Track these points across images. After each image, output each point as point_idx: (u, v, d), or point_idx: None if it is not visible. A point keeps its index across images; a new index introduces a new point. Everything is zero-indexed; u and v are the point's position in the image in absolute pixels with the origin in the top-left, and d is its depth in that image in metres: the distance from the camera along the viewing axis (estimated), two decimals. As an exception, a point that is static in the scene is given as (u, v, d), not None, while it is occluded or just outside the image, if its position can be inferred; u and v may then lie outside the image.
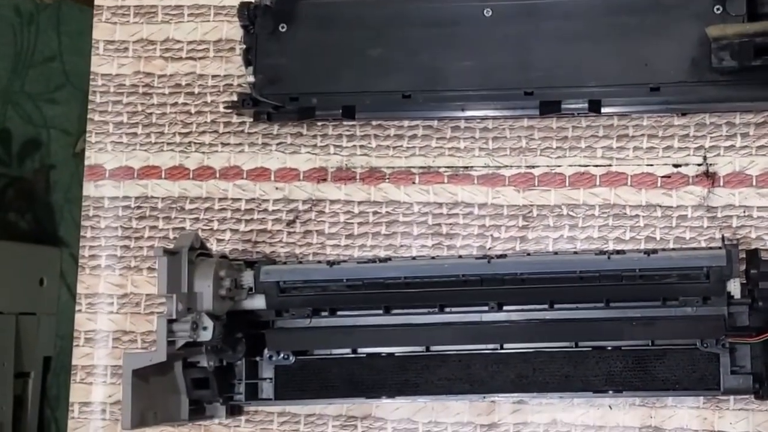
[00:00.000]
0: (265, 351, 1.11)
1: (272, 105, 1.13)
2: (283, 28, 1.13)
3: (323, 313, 1.11)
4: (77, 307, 1.21)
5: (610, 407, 1.11)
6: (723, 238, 1.08)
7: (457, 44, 1.11)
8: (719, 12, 1.06)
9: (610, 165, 1.14)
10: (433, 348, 1.10)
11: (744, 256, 1.06)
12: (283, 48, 1.13)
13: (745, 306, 1.05)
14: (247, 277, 1.09)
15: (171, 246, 1.05)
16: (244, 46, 1.14)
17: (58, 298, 2.25)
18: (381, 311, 1.10)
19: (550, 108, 1.10)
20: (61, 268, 2.27)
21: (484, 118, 1.16)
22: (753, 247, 1.10)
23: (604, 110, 1.11)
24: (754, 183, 1.12)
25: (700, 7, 1.07)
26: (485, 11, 1.11)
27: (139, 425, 1.01)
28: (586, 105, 1.10)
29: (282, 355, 1.11)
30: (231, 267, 1.08)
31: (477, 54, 1.10)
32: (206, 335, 1.03)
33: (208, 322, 1.03)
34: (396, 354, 1.11)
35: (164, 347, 1.01)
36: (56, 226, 2.32)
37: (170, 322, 1.01)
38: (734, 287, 1.04)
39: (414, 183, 1.17)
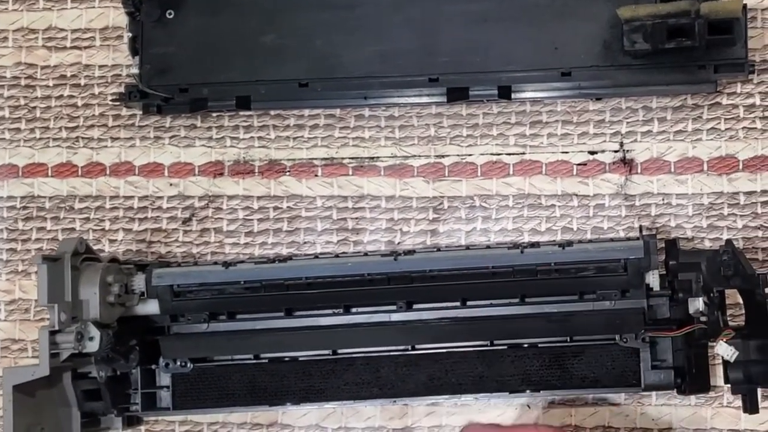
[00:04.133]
0: (161, 359, 1.05)
1: (161, 96, 1.07)
2: (170, 14, 1.06)
3: (221, 317, 1.05)
4: (-39, 316, 1.14)
5: (528, 407, 1.07)
6: (641, 229, 1.04)
7: (356, 28, 1.05)
8: (631, -9, 1.02)
9: (523, 153, 1.09)
10: (340, 351, 1.05)
11: (663, 245, 1.02)
12: (171, 36, 1.06)
13: (665, 298, 1.01)
14: (139, 282, 1.03)
15: (53, 251, 0.98)
16: (130, 35, 1.07)
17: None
18: (282, 314, 1.04)
19: (457, 95, 1.05)
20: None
21: (389, 106, 1.10)
22: (672, 236, 1.06)
23: (515, 96, 1.05)
24: (672, 169, 1.07)
25: (611, -13, 1.02)
26: (386, -8, 1.05)
27: (24, 443, 0.95)
28: (495, 91, 1.04)
29: (179, 362, 1.05)
30: (120, 271, 1.02)
31: (377, 38, 1.04)
32: (93, 346, 0.97)
33: (95, 332, 0.97)
34: (300, 358, 1.05)
35: (47, 360, 0.95)
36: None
37: (53, 333, 0.95)
38: (653, 279, 0.99)
39: (317, 176, 1.11)
